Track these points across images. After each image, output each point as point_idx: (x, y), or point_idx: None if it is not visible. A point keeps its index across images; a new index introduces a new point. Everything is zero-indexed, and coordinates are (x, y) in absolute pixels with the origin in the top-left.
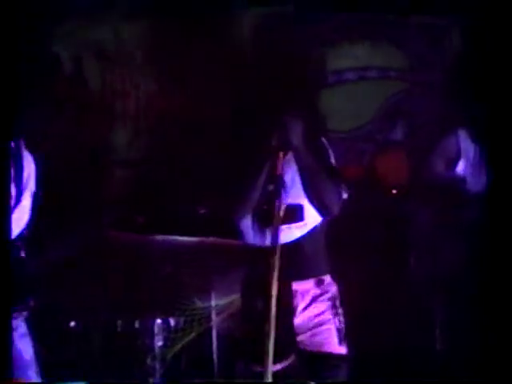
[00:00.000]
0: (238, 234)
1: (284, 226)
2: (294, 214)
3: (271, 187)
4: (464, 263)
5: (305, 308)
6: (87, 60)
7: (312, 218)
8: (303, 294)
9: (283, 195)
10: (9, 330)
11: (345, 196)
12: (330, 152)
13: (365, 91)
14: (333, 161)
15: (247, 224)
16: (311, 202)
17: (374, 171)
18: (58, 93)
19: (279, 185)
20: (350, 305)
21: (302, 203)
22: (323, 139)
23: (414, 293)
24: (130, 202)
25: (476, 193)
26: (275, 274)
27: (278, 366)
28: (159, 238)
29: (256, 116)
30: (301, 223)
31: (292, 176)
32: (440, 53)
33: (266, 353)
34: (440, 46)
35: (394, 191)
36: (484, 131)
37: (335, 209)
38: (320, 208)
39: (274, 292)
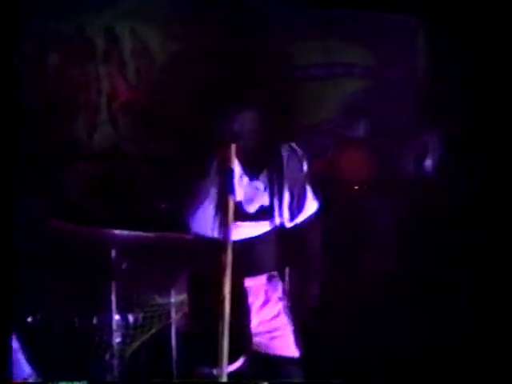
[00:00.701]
0: (196, 228)
1: (251, 223)
2: (264, 214)
3: (224, 181)
4: (422, 259)
5: (260, 308)
6: (50, 54)
7: (278, 218)
8: (257, 291)
9: (237, 188)
10: (9, 332)
11: (315, 206)
12: (303, 159)
13: (330, 87)
14: (305, 167)
15: (208, 218)
16: (280, 205)
17: (336, 166)
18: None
19: (232, 178)
20: (304, 302)
21: (273, 204)
22: (295, 147)
23: (369, 288)
24: (89, 196)
25: (443, 189)
26: (228, 272)
27: (231, 368)
28: (119, 232)
29: (216, 109)
30: (266, 222)
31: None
32: (407, 51)
33: (221, 353)
34: (407, 45)
35: (356, 187)
36: (452, 129)
37: (299, 217)
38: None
39: (227, 290)
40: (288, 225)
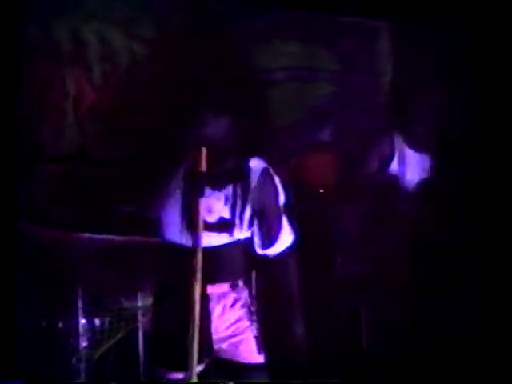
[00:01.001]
0: (163, 232)
1: (209, 233)
2: (224, 227)
3: (194, 185)
4: (390, 263)
5: (221, 314)
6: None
7: (237, 233)
8: (219, 298)
9: (208, 193)
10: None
11: (290, 239)
12: (280, 188)
13: (295, 91)
14: (281, 198)
15: (174, 222)
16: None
17: (301, 170)
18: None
19: (201, 182)
20: (272, 306)
21: (233, 219)
22: (272, 173)
23: (340, 292)
24: (56, 199)
25: (408, 192)
26: (198, 276)
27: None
28: (86, 236)
29: (182, 112)
30: (225, 235)
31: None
32: (371, 54)
33: (191, 356)
34: (371, 48)
35: (322, 190)
36: (417, 131)
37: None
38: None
39: (197, 294)
40: (259, 252)
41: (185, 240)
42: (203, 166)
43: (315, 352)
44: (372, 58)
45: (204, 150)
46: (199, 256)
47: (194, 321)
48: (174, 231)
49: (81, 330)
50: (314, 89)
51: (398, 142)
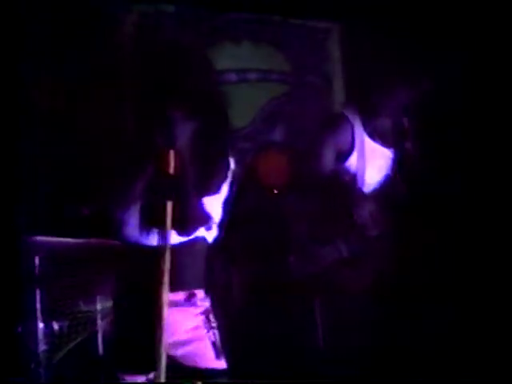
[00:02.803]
0: (122, 233)
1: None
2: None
3: (162, 186)
4: (345, 262)
5: (177, 321)
6: None
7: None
8: (175, 306)
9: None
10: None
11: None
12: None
13: (246, 93)
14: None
15: (133, 223)
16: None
17: (254, 172)
18: None
19: (170, 184)
20: (228, 310)
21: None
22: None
23: (295, 292)
24: (11, 202)
25: (368, 188)
26: (166, 277)
27: (151, 375)
28: (42, 239)
29: (141, 114)
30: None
31: None
32: (321, 56)
33: (158, 359)
34: (321, 49)
35: (276, 191)
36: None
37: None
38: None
39: (166, 295)
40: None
41: (150, 241)
42: (171, 169)
43: (274, 353)
44: (323, 58)
45: (172, 152)
46: (167, 256)
47: (161, 323)
48: (138, 233)
49: (39, 334)
50: (266, 90)
51: (359, 131)
